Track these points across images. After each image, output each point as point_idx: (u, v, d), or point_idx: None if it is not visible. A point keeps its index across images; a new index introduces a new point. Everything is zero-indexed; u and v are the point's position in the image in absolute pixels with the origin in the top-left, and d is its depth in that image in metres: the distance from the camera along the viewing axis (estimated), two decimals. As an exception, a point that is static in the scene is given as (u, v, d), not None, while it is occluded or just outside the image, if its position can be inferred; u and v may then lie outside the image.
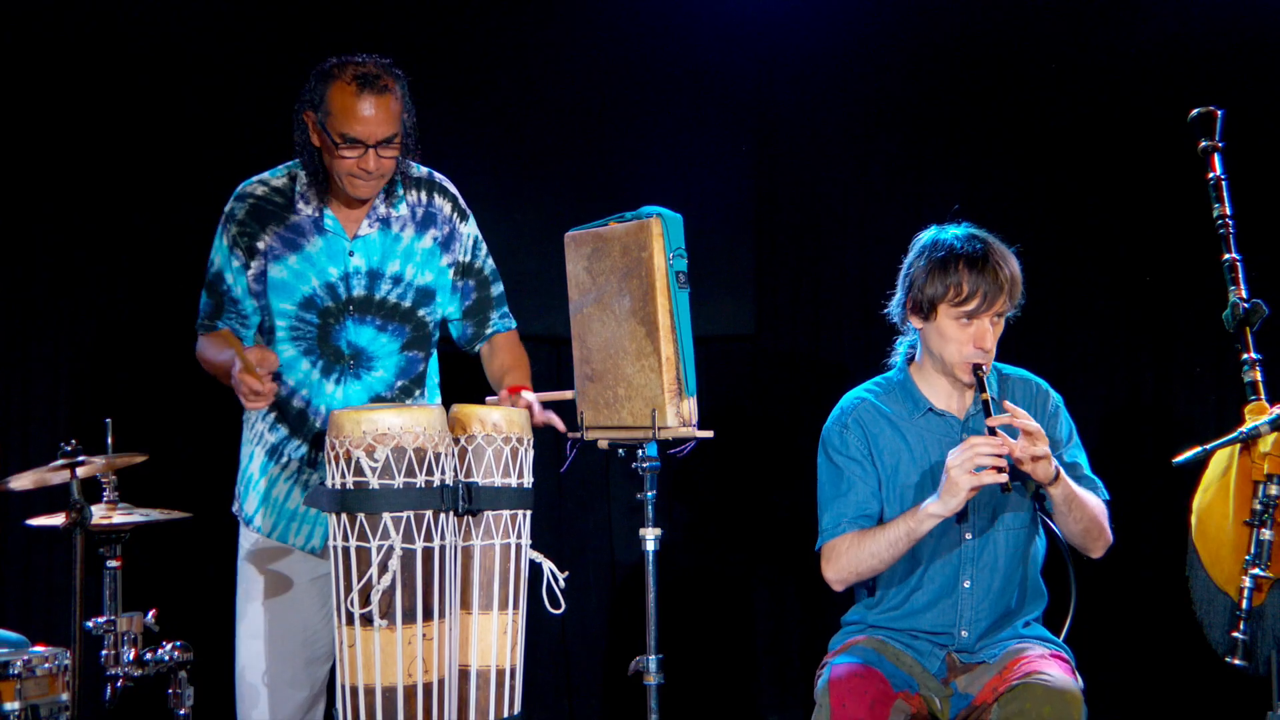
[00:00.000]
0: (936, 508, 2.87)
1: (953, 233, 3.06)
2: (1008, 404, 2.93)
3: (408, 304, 3.14)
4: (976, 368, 2.98)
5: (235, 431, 3.25)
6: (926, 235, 3.09)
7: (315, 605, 3.13)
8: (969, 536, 3.04)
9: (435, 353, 3.26)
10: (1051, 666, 2.86)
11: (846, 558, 3.01)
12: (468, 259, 3.23)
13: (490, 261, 3.29)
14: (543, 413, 3.00)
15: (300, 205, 3.08)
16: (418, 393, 3.20)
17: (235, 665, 3.14)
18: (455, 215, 3.21)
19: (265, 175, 3.13)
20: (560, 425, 2.99)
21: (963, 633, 3.02)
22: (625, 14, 4.55)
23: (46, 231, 4.29)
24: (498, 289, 3.30)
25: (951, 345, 3.00)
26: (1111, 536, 3.07)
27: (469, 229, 3.24)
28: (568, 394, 3.01)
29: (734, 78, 4.59)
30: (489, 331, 3.29)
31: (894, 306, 3.13)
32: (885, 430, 3.08)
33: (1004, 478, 2.81)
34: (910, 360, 3.16)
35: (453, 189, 3.23)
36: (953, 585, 3.03)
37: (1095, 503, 3.04)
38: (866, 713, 2.79)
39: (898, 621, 3.06)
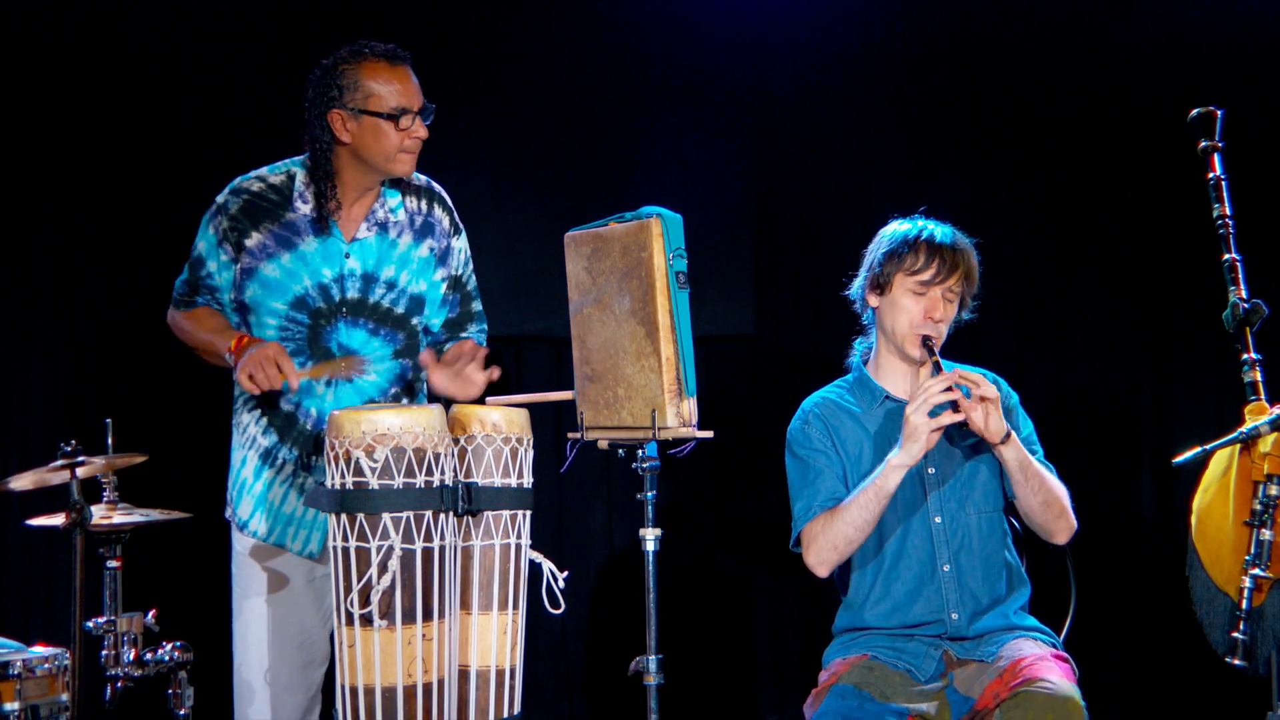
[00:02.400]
0: (900, 458, 2.91)
1: (916, 220, 3.13)
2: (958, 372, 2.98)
3: (400, 310, 3.13)
4: (926, 339, 3.02)
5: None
6: (891, 224, 3.16)
7: (311, 608, 3.12)
8: (938, 519, 3.05)
9: None
10: (1053, 671, 2.85)
11: (824, 536, 3.03)
12: (458, 274, 3.24)
13: (474, 279, 3.30)
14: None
15: (299, 204, 3.07)
16: (408, 401, 3.19)
17: (233, 668, 3.14)
18: (451, 229, 3.21)
19: (263, 171, 3.11)
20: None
21: (953, 615, 3.02)
22: (625, 14, 4.55)
23: (46, 231, 4.29)
24: (478, 305, 3.31)
25: (904, 316, 3.05)
26: (1075, 523, 3.05)
27: (461, 243, 3.24)
28: (567, 394, 3.01)
29: (734, 78, 4.59)
30: (462, 336, 3.28)
31: (854, 288, 3.19)
32: (846, 422, 3.14)
33: (960, 417, 2.87)
34: (865, 361, 3.22)
35: (449, 201, 3.23)
36: (932, 570, 3.04)
37: (1055, 480, 3.04)
38: None
39: (889, 619, 3.06)
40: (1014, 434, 2.95)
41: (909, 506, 3.06)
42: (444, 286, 3.21)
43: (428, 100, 3.04)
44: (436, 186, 3.21)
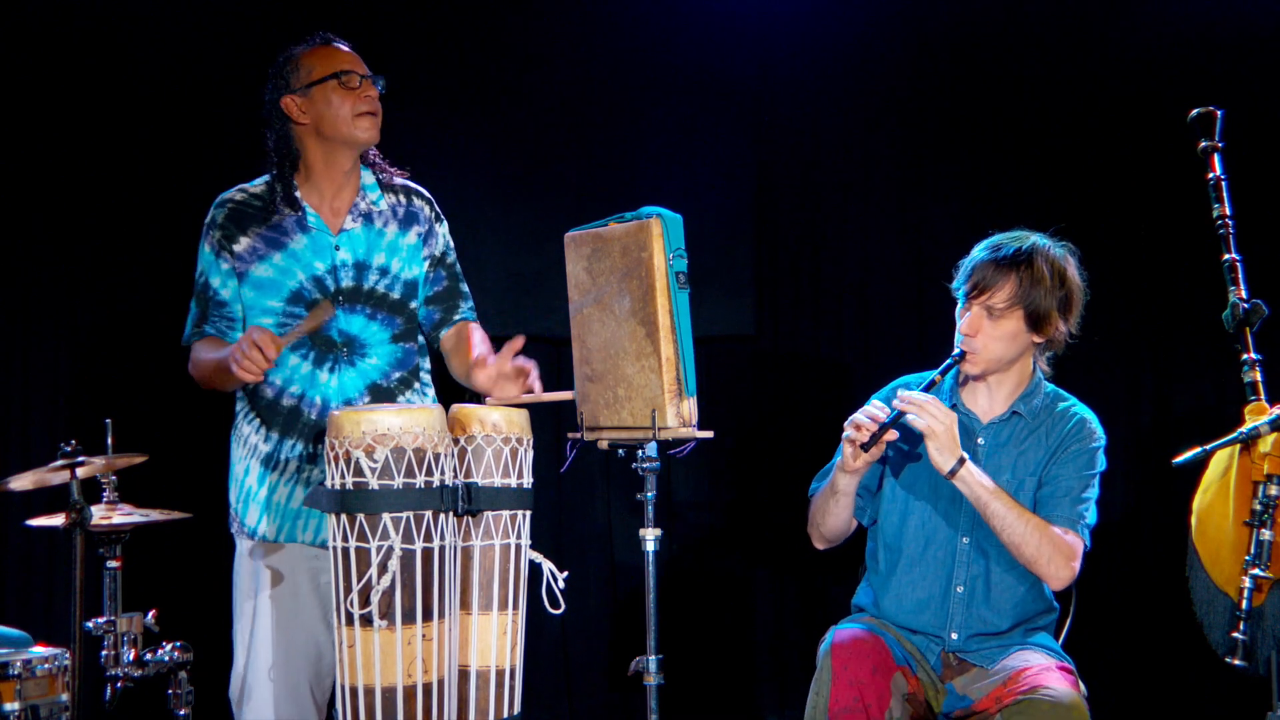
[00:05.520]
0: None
1: (1022, 231, 3.10)
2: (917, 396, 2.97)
3: (396, 295, 3.18)
4: (959, 356, 3.01)
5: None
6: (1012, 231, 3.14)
7: (317, 614, 3.11)
8: (965, 540, 3.05)
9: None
10: (1056, 680, 2.86)
11: (810, 512, 3.17)
12: (440, 253, 3.28)
13: (459, 266, 3.33)
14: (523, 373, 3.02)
15: (282, 208, 3.13)
16: (416, 385, 3.21)
17: (231, 672, 3.13)
18: (434, 216, 3.29)
19: (244, 185, 3.19)
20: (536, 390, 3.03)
21: (952, 635, 3.04)
22: (625, 14, 4.55)
23: (47, 232, 4.29)
24: (465, 287, 3.34)
25: (958, 330, 3.05)
26: (1060, 572, 2.96)
27: (443, 229, 3.31)
28: (567, 394, 3.01)
29: (734, 78, 4.59)
30: (456, 318, 3.30)
31: None
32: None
33: (858, 438, 2.92)
34: None
35: (428, 194, 3.30)
36: (945, 588, 3.05)
37: (1032, 527, 2.94)
38: (869, 676, 2.81)
39: (896, 616, 3.10)
40: (963, 471, 2.91)
41: (944, 521, 3.07)
42: (426, 265, 3.26)
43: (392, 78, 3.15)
44: (413, 184, 3.29)
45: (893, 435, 2.95)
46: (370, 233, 3.16)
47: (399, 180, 3.26)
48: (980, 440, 3.09)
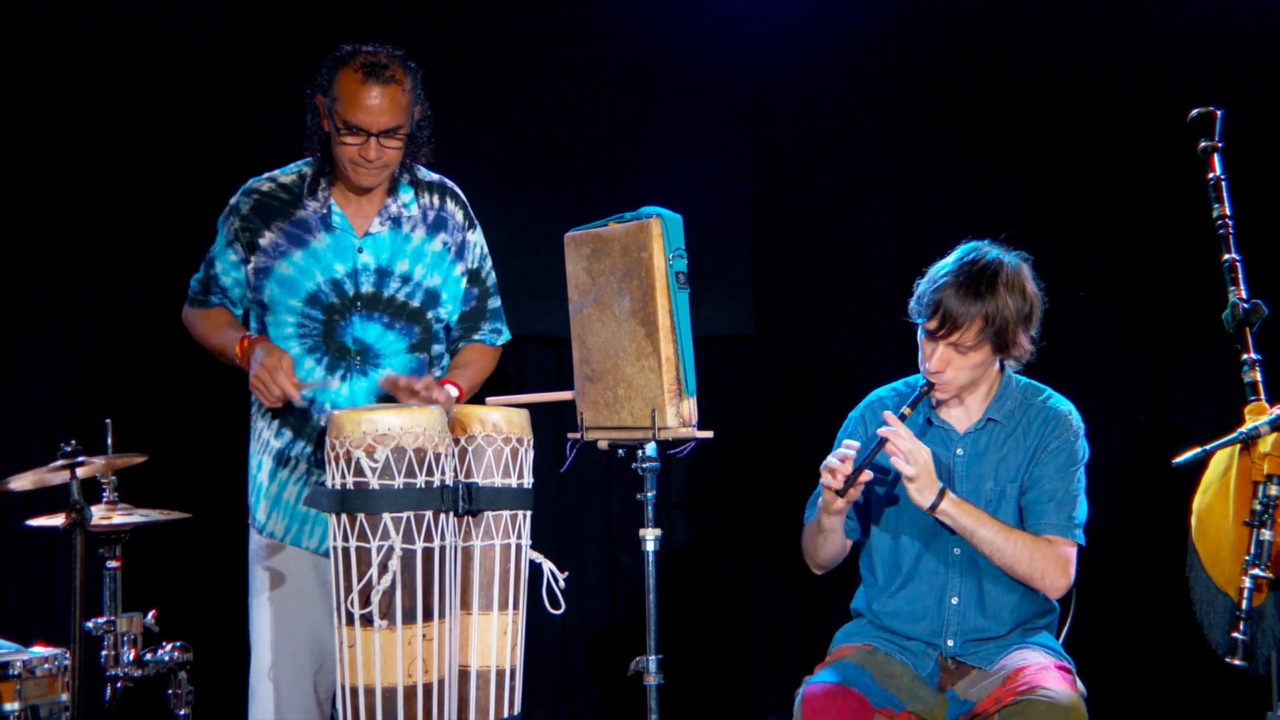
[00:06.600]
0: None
1: (977, 252, 3.03)
2: (892, 419, 2.94)
3: (416, 304, 3.14)
4: (927, 386, 3.00)
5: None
6: (963, 248, 3.06)
7: (324, 611, 3.11)
8: (957, 551, 3.05)
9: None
10: (1055, 680, 2.85)
11: (802, 541, 3.18)
12: (475, 266, 3.25)
13: (493, 275, 3.30)
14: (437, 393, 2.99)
15: (308, 202, 3.09)
16: None
17: (249, 668, 3.13)
18: (466, 223, 3.24)
19: (275, 173, 3.15)
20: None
21: (948, 642, 3.04)
22: (625, 14, 4.55)
23: (47, 231, 4.29)
24: (495, 302, 3.31)
25: (921, 358, 3.04)
26: (1057, 583, 2.98)
27: (477, 237, 3.26)
28: (567, 394, 3.01)
29: (734, 78, 4.59)
30: (474, 338, 3.30)
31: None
32: None
33: (833, 484, 2.91)
34: None
35: (463, 196, 3.25)
36: (940, 599, 3.05)
37: (1022, 546, 2.95)
38: None
39: (892, 623, 3.09)
40: (944, 504, 2.90)
41: (932, 533, 3.06)
42: (464, 281, 3.23)
43: (423, 119, 3.05)
44: (449, 183, 3.24)
45: (868, 476, 2.94)
46: (397, 237, 3.12)
47: (434, 177, 3.21)
48: (959, 451, 3.08)
